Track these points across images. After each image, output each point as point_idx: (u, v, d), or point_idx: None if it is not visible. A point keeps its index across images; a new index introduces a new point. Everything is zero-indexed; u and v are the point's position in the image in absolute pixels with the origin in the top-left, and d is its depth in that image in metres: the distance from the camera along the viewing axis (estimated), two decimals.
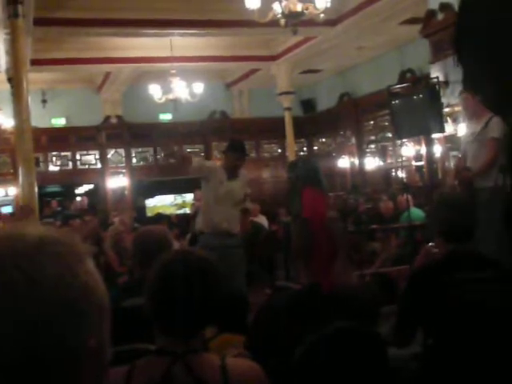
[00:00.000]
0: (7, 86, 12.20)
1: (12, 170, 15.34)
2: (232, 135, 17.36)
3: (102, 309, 0.83)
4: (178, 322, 1.83)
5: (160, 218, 10.93)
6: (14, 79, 9.01)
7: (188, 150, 17.66)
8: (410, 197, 8.90)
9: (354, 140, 16.61)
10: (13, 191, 15.48)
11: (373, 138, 16.03)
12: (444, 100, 8.71)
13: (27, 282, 0.76)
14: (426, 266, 2.90)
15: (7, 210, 15.33)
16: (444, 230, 2.76)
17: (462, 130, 8.74)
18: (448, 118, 8.81)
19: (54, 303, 0.77)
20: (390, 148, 15.35)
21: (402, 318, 2.73)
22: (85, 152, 16.85)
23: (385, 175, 15.57)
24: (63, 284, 0.79)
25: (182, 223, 13.11)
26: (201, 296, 1.85)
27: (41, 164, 15.80)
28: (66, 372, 0.78)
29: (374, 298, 2.71)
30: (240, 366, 1.83)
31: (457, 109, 8.81)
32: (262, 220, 11.42)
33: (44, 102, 15.76)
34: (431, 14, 9.19)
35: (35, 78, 12.37)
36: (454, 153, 9.15)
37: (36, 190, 8.71)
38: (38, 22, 10.44)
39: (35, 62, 12.24)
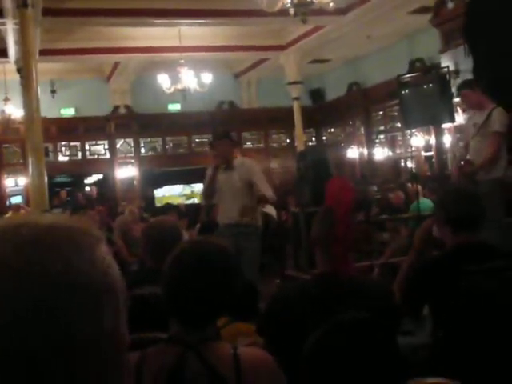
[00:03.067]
0: (17, 77, 12.21)
1: (22, 160, 15.40)
2: (240, 125, 17.43)
3: (119, 292, 0.84)
4: (193, 310, 1.83)
5: (169, 208, 10.95)
6: (24, 69, 9.04)
7: (196, 140, 17.70)
8: (419, 187, 8.88)
9: (363, 130, 16.56)
10: (23, 181, 15.54)
11: (382, 127, 15.98)
12: (454, 90, 8.67)
13: (51, 267, 0.77)
14: (435, 257, 2.90)
15: (17, 200, 15.40)
16: (451, 220, 2.75)
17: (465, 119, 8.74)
18: (458, 108, 8.78)
19: (76, 287, 0.78)
20: (400, 138, 15.31)
21: (409, 300, 2.75)
22: (94, 142, 16.88)
23: (394, 165, 15.54)
24: (86, 275, 0.79)
25: (190, 213, 13.13)
26: (216, 285, 1.85)
27: (50, 154, 15.83)
28: (87, 355, 0.78)
29: (386, 289, 2.71)
30: (252, 355, 1.83)
31: None
32: (271, 210, 11.41)
33: (53, 92, 15.79)
34: (441, 2, 9.15)
35: (44, 69, 12.36)
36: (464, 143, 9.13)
37: (46, 180, 8.74)
38: (47, 12, 10.45)
39: (44, 53, 12.24)
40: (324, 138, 18.71)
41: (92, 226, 0.86)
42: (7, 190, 15.95)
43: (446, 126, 10.27)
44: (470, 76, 8.25)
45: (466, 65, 8.45)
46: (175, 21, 12.18)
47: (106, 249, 0.85)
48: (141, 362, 1.81)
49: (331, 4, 8.39)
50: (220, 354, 1.80)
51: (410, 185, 10.52)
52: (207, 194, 6.35)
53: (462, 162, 6.28)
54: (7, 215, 12.86)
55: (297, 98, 16.08)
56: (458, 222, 2.75)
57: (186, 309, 1.84)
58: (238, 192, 6.21)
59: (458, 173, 6.31)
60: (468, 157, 6.21)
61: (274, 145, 18.40)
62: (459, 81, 8.76)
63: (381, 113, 16.00)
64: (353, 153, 16.81)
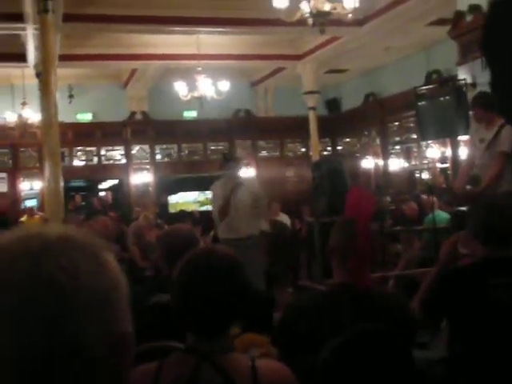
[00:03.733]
0: (35, 81, 12.32)
1: (38, 164, 15.50)
2: (256, 134, 17.47)
3: (126, 299, 0.87)
4: (203, 319, 1.83)
5: (183, 215, 10.99)
6: (43, 74, 9.12)
7: (212, 148, 17.74)
8: (434, 199, 8.84)
9: (378, 141, 16.53)
10: (38, 185, 15.63)
11: (398, 139, 15.94)
12: (470, 102, 8.64)
13: (67, 276, 0.79)
14: (461, 268, 2.85)
15: (32, 203, 15.49)
16: (481, 233, 2.70)
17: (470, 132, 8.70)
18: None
19: (92, 294, 0.80)
20: (415, 149, 15.26)
21: (430, 309, 2.71)
22: (110, 147, 16.96)
23: (409, 177, 15.48)
24: (96, 276, 0.83)
25: (204, 220, 13.14)
26: (226, 293, 1.85)
27: (66, 159, 15.90)
28: (95, 358, 0.81)
29: (402, 301, 2.70)
30: (270, 368, 1.83)
31: None
32: (284, 219, 11.41)
33: (71, 97, 15.86)
34: (460, 15, 9.12)
35: (63, 74, 12.44)
36: None
37: (61, 184, 8.79)
38: (67, 17, 10.54)
39: (63, 58, 12.33)
40: (339, 147, 18.69)
41: (94, 236, 0.89)
42: (22, 194, 16.05)
43: (461, 138, 10.23)
44: (486, 89, 8.22)
45: (483, 78, 8.42)
46: (193, 29, 12.23)
47: (110, 256, 0.88)
48: (158, 372, 1.81)
49: (349, 15, 8.40)
50: (237, 366, 1.79)
51: (424, 196, 10.47)
52: (224, 212, 6.70)
53: (467, 178, 6.23)
54: (22, 218, 12.97)
55: (313, 108, 16.09)
56: (487, 234, 2.69)
57: (195, 317, 1.84)
58: (245, 209, 6.70)
59: (462, 191, 6.26)
60: (475, 171, 6.17)
61: (290, 154, 18.40)
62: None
63: (397, 124, 15.97)
64: (368, 163, 16.77)
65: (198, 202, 17.59)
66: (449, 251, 2.89)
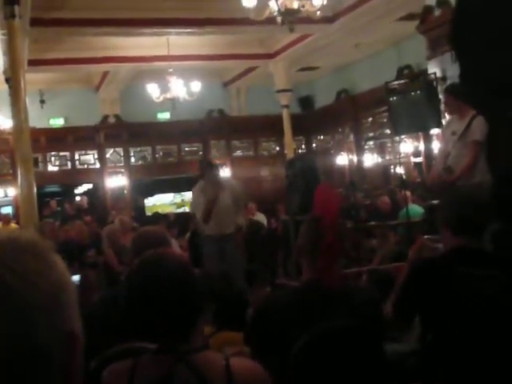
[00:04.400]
0: (5, 87, 12.18)
1: (11, 171, 15.34)
2: (230, 133, 17.47)
3: (74, 298, 0.88)
4: (162, 322, 1.82)
5: (157, 217, 10.95)
6: (12, 80, 9.02)
7: (186, 149, 17.71)
8: (408, 193, 8.91)
9: (352, 137, 16.60)
10: (12, 192, 15.49)
11: (371, 134, 16.01)
12: (442, 96, 8.71)
13: (15, 277, 0.80)
14: (431, 258, 2.86)
15: (7, 210, 15.33)
16: (453, 222, 2.71)
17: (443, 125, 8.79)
18: (446, 114, 8.82)
19: (42, 297, 0.80)
20: (389, 144, 15.36)
21: (401, 305, 2.71)
22: (83, 152, 16.84)
23: (383, 172, 15.57)
24: (46, 278, 0.83)
25: (181, 222, 13.12)
26: (181, 295, 1.83)
27: (40, 164, 15.79)
28: (49, 354, 0.81)
29: (372, 296, 2.71)
30: (244, 366, 1.83)
31: None
32: (261, 218, 11.43)
33: (42, 102, 15.76)
34: (428, 10, 9.20)
35: (33, 79, 12.37)
36: None
37: (35, 190, 8.72)
38: (35, 22, 10.44)
39: (33, 63, 12.24)
40: (314, 145, 18.75)
41: (38, 236, 0.89)
42: None
43: (434, 132, 10.32)
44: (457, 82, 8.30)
45: (453, 71, 8.48)
46: (163, 30, 12.19)
47: (58, 257, 0.88)
48: (132, 371, 1.82)
49: (318, 12, 8.44)
50: (211, 364, 1.79)
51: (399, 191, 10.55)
52: (207, 219, 7.39)
53: (441, 169, 6.28)
54: None
55: (286, 106, 16.11)
56: (459, 224, 2.70)
57: (153, 321, 1.83)
58: (226, 209, 7.37)
59: (437, 180, 6.31)
60: (448, 163, 6.22)
61: (264, 153, 18.41)
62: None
63: (370, 119, 16.05)
64: (342, 160, 16.85)
65: (175, 203, 17.55)
66: (416, 256, 2.92)
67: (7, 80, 11.56)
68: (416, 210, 8.75)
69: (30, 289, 0.79)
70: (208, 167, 7.71)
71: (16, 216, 14.54)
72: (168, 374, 1.76)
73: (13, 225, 13.05)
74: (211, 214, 7.33)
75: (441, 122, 8.49)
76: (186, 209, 15.89)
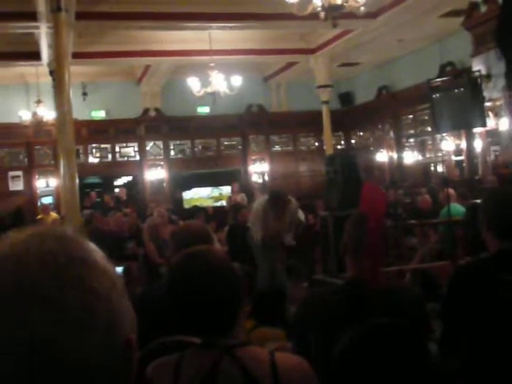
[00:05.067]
0: (49, 79, 12.40)
1: (53, 162, 15.60)
2: (269, 129, 17.47)
3: (120, 290, 0.83)
4: (203, 317, 1.82)
5: (196, 210, 11.00)
6: (56, 72, 9.15)
7: (225, 143, 17.77)
8: (451, 191, 8.79)
9: (392, 134, 16.48)
10: (53, 182, 15.74)
11: (412, 131, 15.88)
12: (486, 94, 8.60)
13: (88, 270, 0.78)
14: (472, 264, 2.80)
15: (47, 200, 15.60)
16: (496, 225, 2.60)
17: (503, 124, 8.63)
18: (490, 112, 8.69)
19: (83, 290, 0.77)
20: (430, 142, 15.20)
21: (448, 322, 2.64)
22: (124, 144, 17.05)
23: (424, 170, 15.42)
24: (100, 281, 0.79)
25: (218, 216, 13.16)
26: (222, 289, 1.84)
27: (81, 156, 16.01)
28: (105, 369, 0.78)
29: (417, 295, 2.68)
30: (289, 362, 1.83)
31: (498, 103, 8.68)
32: (300, 214, 11.38)
33: (84, 94, 15.96)
34: (474, 6, 9.07)
35: (76, 71, 12.52)
36: (496, 147, 9.03)
37: (77, 181, 8.84)
38: (80, 15, 10.57)
39: (76, 56, 12.39)
40: (353, 141, 18.65)
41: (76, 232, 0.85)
42: (38, 191, 16.16)
43: (477, 130, 10.17)
44: (501, 81, 8.17)
45: (498, 69, 8.36)
46: (206, 24, 12.23)
47: (99, 251, 0.84)
48: (178, 365, 1.83)
49: (362, 8, 8.35)
50: (256, 359, 1.79)
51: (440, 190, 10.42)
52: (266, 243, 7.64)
53: (498, 164, 6.22)
54: (39, 216, 13.05)
55: (326, 102, 16.04)
56: (500, 227, 2.59)
57: (196, 316, 1.83)
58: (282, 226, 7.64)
59: (494, 175, 6.25)
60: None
61: (303, 148, 18.38)
62: (491, 85, 8.68)
63: (411, 117, 15.90)
64: (382, 157, 16.72)
65: (212, 197, 17.63)
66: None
67: (51, 72, 11.75)
68: (457, 208, 8.62)
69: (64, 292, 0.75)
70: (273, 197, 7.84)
71: (57, 206, 14.79)
72: (214, 367, 1.76)
73: (53, 214, 13.27)
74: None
75: (485, 121, 8.36)
76: (224, 202, 15.95)
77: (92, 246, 0.84)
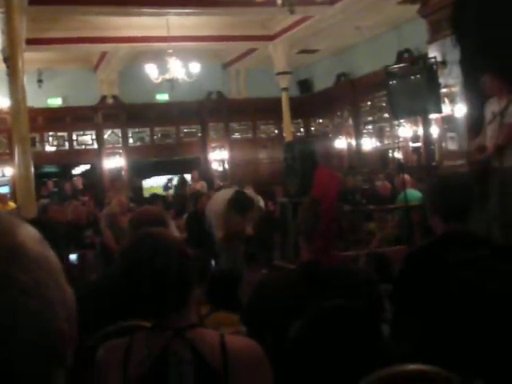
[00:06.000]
0: (3, 66, 12.11)
1: (8, 151, 15.30)
2: (229, 116, 17.43)
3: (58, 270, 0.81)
4: (154, 298, 1.82)
5: (155, 198, 10.96)
6: (10, 59, 8.98)
7: (184, 131, 17.68)
8: (406, 177, 8.90)
9: (351, 121, 16.59)
10: (9, 171, 15.46)
11: (370, 118, 16.01)
12: (442, 80, 8.69)
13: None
14: (421, 247, 2.86)
15: (4, 190, 15.31)
16: (439, 209, 2.72)
17: (459, 110, 8.74)
18: (445, 99, 8.80)
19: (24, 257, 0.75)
20: (387, 129, 15.34)
21: (399, 304, 2.69)
22: (81, 132, 16.81)
23: (382, 156, 15.58)
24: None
25: (178, 203, 13.11)
26: (173, 271, 1.83)
27: (37, 144, 15.75)
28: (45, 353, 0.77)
29: (370, 275, 2.70)
30: (239, 343, 1.84)
31: (454, 89, 8.79)
32: (259, 201, 11.42)
33: (40, 81, 15.67)
34: None
35: (31, 58, 12.27)
36: (451, 134, 9.15)
37: (32, 170, 8.70)
38: (33, 0, 10.36)
39: (31, 42, 12.14)
40: (312, 128, 18.72)
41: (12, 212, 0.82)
42: None
43: (433, 116, 10.29)
44: (456, 67, 8.27)
45: (454, 56, 8.46)
46: (163, 10, 12.11)
47: (35, 236, 0.82)
48: (129, 347, 1.83)
49: None
50: (207, 341, 1.80)
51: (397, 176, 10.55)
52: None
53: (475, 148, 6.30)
54: None
55: (285, 89, 16.05)
56: (446, 211, 2.67)
57: (145, 297, 1.83)
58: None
59: (471, 159, 6.33)
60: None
61: (263, 135, 18.39)
62: (446, 71, 8.78)
63: (369, 103, 16.02)
64: (341, 143, 16.84)
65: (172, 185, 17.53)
66: None
67: (5, 59, 11.50)
68: (414, 194, 8.74)
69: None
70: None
71: (13, 196, 14.53)
72: (164, 349, 1.76)
73: (11, 204, 13.04)
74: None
75: (440, 107, 8.46)
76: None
77: (27, 231, 0.79)
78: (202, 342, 1.78)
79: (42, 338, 0.75)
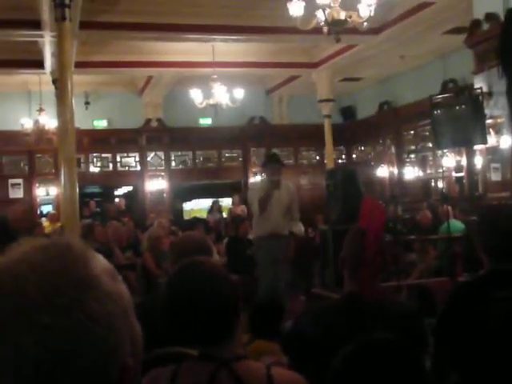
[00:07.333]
0: (52, 88, 12.42)
1: (54, 170, 15.60)
2: (270, 141, 17.48)
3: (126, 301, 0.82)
4: (198, 329, 1.82)
5: (196, 221, 11.00)
6: (59, 81, 9.17)
7: (226, 155, 17.78)
8: (449, 208, 8.79)
9: (393, 149, 16.48)
10: (54, 191, 15.73)
11: (413, 147, 15.88)
12: (487, 111, 8.59)
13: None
14: (468, 282, 2.80)
15: (47, 209, 15.59)
16: (492, 251, 2.60)
17: (504, 141, 8.62)
18: (491, 130, 8.69)
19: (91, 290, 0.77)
20: (430, 158, 15.20)
21: (442, 339, 2.63)
22: (125, 154, 17.05)
23: (424, 185, 15.42)
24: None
25: (218, 228, 13.15)
26: (216, 302, 1.83)
27: (82, 165, 16.01)
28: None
29: (414, 310, 2.67)
30: (285, 377, 1.82)
31: (499, 120, 8.68)
32: (299, 226, 11.38)
33: (87, 103, 16.00)
34: (476, 23, 9.08)
35: (79, 80, 12.54)
36: (496, 165, 9.02)
37: (77, 191, 8.83)
38: (84, 25, 10.60)
39: (79, 65, 12.41)
40: (354, 156, 18.66)
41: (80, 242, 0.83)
42: (38, 199, 16.16)
43: (477, 147, 10.17)
44: (502, 98, 8.17)
45: (500, 87, 8.37)
46: (209, 36, 12.25)
47: (107, 268, 0.82)
48: (174, 376, 1.81)
49: (365, 24, 8.38)
50: (253, 373, 1.79)
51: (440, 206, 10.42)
52: (265, 205, 7.41)
53: None
54: (44, 224, 13.02)
55: (328, 116, 16.06)
56: (497, 253, 2.57)
57: (190, 327, 1.83)
58: (282, 209, 7.49)
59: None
60: None
61: (304, 161, 18.39)
62: (492, 102, 8.68)
63: (412, 132, 15.91)
64: (383, 172, 16.72)
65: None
66: None
67: (54, 81, 11.77)
68: (457, 225, 8.63)
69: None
70: (272, 161, 7.93)
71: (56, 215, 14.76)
72: (210, 380, 1.75)
73: (59, 224, 13.25)
74: (267, 204, 7.38)
75: (486, 138, 8.36)
76: (224, 215, 15.95)
77: (99, 263, 0.82)
78: (248, 375, 1.77)
79: (105, 367, 0.76)
